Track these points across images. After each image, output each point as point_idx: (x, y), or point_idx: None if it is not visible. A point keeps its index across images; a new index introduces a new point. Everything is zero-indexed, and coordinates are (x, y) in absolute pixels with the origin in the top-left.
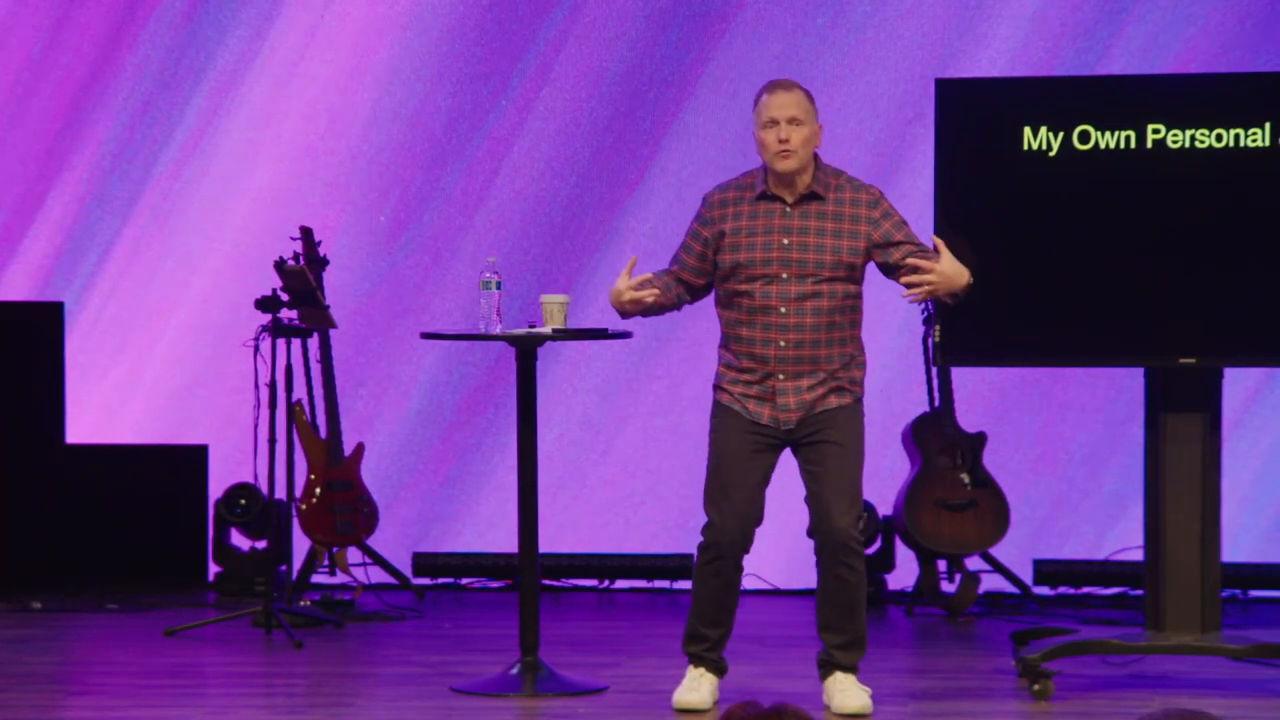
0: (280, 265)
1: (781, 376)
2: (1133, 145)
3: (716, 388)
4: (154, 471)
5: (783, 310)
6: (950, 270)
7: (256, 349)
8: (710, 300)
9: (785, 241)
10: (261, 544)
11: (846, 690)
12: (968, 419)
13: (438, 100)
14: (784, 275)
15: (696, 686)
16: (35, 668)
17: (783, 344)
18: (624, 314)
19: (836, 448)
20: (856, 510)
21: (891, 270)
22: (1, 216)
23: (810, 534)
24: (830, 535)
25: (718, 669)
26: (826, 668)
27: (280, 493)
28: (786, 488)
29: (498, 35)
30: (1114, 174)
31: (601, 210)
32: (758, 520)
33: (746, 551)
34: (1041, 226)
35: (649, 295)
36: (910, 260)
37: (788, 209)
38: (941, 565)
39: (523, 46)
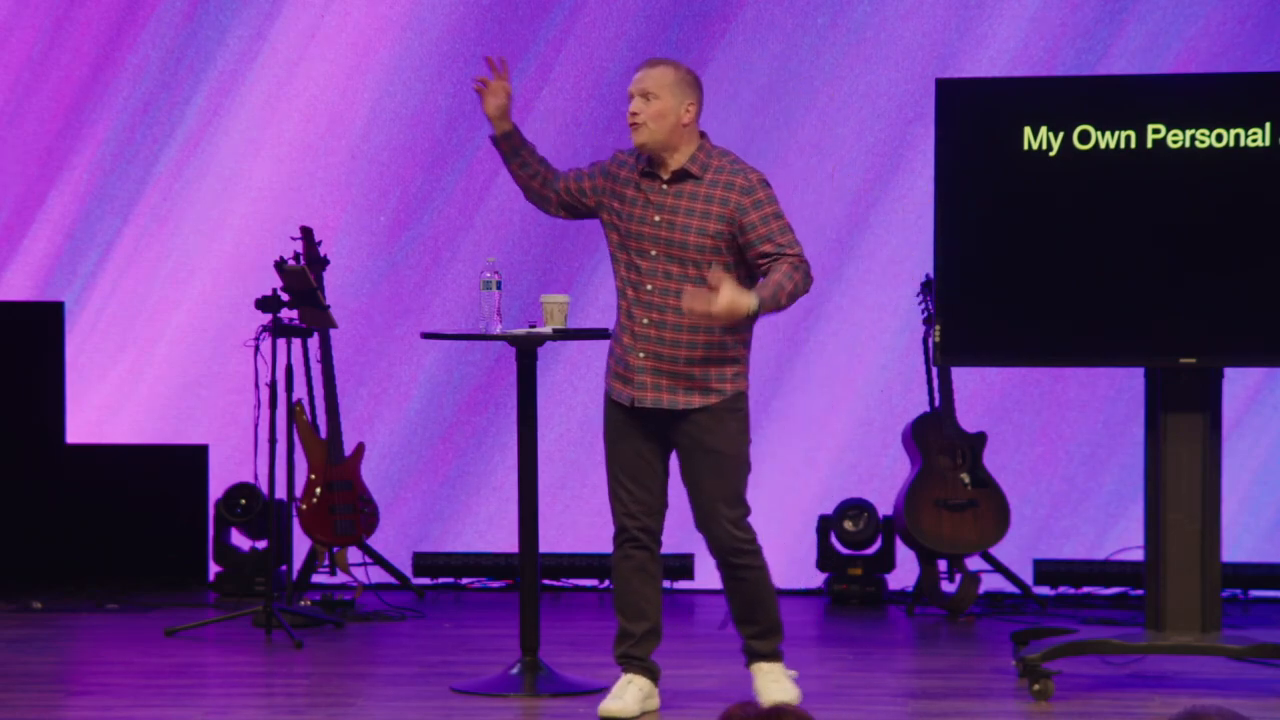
0: (280, 265)
1: (642, 355)
2: (1133, 145)
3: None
4: (154, 471)
5: (649, 288)
6: (726, 303)
7: (257, 349)
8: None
9: (657, 219)
10: (261, 544)
11: (774, 681)
12: (968, 419)
13: (438, 100)
14: (653, 252)
15: (620, 693)
16: (35, 668)
17: (645, 321)
18: (490, 111)
19: (708, 455)
20: (738, 511)
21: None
22: (1, 216)
23: (698, 529)
24: (716, 542)
25: (647, 671)
26: (748, 656)
27: (280, 493)
28: (786, 488)
29: (498, 35)
30: (1114, 174)
31: None
32: (661, 505)
33: (658, 542)
34: (1041, 226)
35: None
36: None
37: (663, 186)
38: (942, 565)
39: (523, 46)
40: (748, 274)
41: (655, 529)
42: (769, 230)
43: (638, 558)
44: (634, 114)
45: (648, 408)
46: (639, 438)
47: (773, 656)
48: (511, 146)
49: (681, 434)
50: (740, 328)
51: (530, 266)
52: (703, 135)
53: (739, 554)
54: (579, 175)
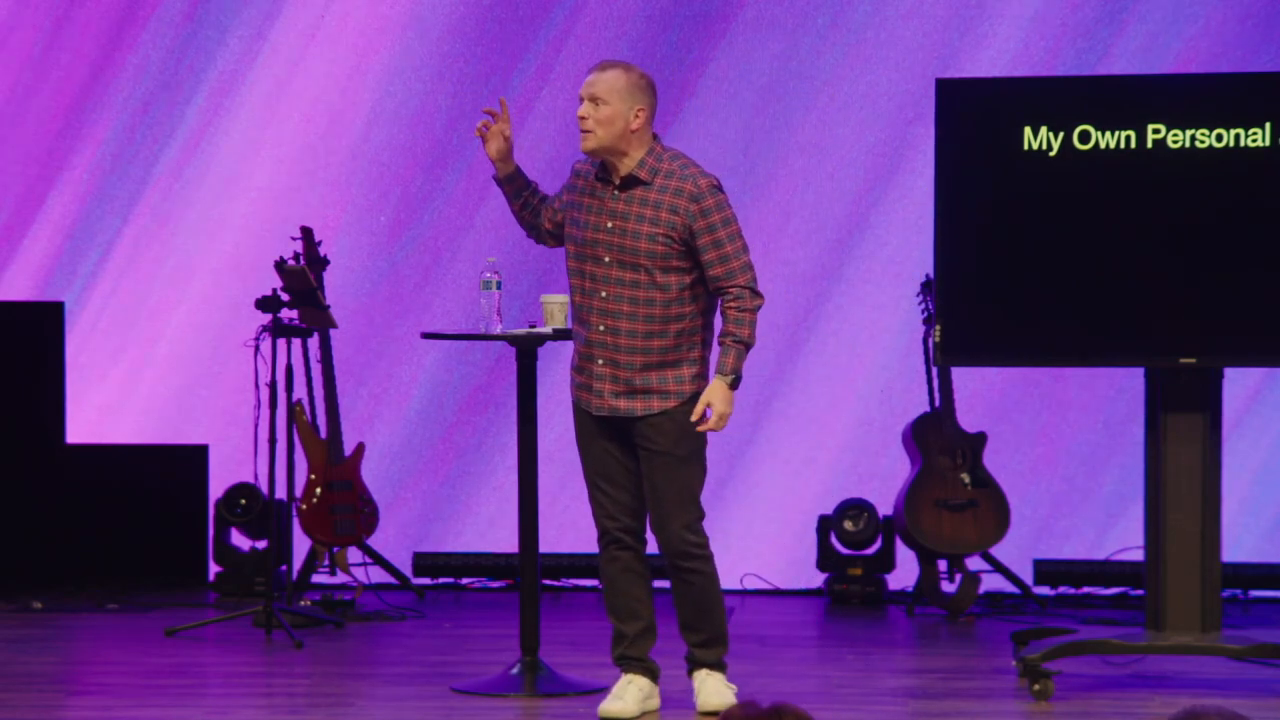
0: (280, 265)
1: (600, 362)
2: (1133, 145)
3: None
4: (154, 471)
5: (604, 294)
6: (722, 409)
7: (257, 349)
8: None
9: (610, 225)
10: (261, 544)
11: (710, 690)
12: (968, 419)
13: (438, 100)
14: (606, 259)
15: (620, 693)
16: (35, 668)
17: (602, 329)
18: (491, 154)
19: (664, 458)
20: (690, 515)
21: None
22: (1, 216)
23: (652, 530)
24: (667, 544)
25: (646, 671)
26: (690, 664)
27: (280, 493)
28: (786, 488)
29: (498, 35)
30: (1114, 174)
31: None
32: (640, 504)
33: (642, 541)
34: (1041, 226)
35: (506, 129)
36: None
37: (615, 192)
38: (942, 565)
39: (523, 46)
40: (701, 275)
41: (637, 529)
42: (721, 253)
43: (623, 559)
44: (582, 119)
45: (606, 416)
46: (608, 441)
47: (716, 667)
48: (515, 188)
49: (641, 437)
50: (697, 338)
51: (530, 266)
52: (655, 138)
53: (688, 558)
54: (556, 197)
